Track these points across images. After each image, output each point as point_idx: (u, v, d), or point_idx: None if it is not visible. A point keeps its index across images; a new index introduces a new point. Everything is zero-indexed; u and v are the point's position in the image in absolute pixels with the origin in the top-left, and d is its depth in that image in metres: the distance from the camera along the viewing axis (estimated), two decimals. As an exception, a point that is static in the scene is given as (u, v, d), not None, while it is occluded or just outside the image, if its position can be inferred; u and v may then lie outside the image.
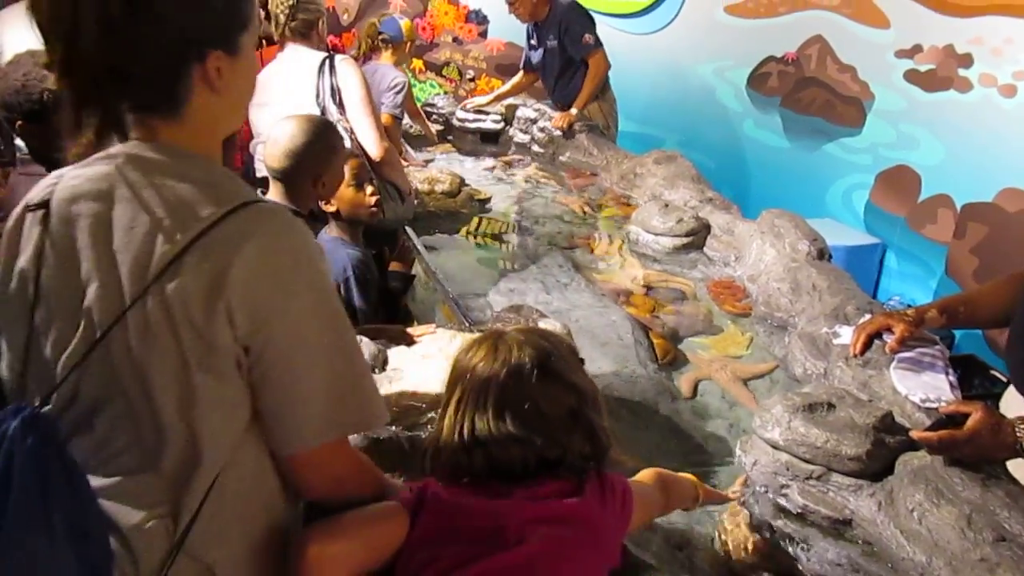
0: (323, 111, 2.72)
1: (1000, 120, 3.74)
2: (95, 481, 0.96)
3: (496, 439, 1.13)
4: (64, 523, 0.88)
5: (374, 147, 2.77)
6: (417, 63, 6.63)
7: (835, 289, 2.29)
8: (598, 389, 1.24)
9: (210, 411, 0.97)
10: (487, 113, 4.80)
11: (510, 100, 4.85)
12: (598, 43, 4.41)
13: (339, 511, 1.09)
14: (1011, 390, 1.69)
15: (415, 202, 3.21)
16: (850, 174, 4.55)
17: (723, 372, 2.17)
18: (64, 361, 0.97)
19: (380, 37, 4.05)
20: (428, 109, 5.05)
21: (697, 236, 3.01)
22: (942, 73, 3.98)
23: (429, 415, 1.65)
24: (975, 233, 3.86)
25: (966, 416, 1.46)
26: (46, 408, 0.97)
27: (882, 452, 1.56)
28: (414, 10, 7.09)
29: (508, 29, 6.09)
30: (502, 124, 4.77)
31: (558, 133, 4.40)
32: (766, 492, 1.62)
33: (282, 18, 2.87)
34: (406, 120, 4.24)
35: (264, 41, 3.26)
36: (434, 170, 3.81)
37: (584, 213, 3.54)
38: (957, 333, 3.72)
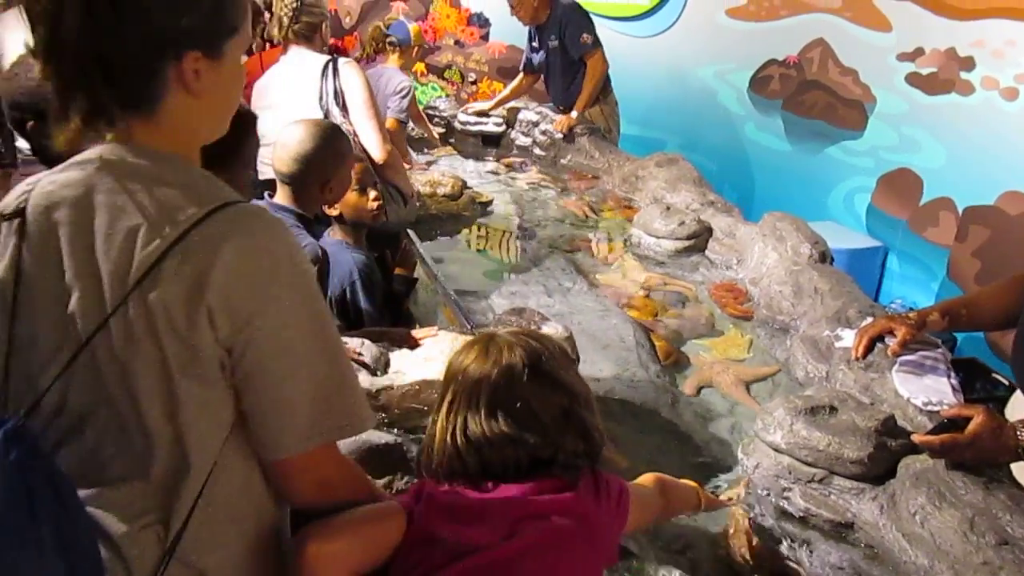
0: (326, 114, 2.73)
1: (1002, 123, 3.74)
2: (86, 490, 0.95)
3: (489, 439, 1.13)
4: (52, 536, 0.87)
5: (377, 150, 2.77)
6: (419, 66, 6.64)
7: (837, 292, 2.29)
8: (590, 389, 1.25)
9: (196, 416, 0.96)
10: (489, 116, 4.81)
11: (512, 103, 4.85)
12: (596, 43, 4.42)
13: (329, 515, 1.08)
14: (1017, 394, 1.68)
15: (417, 205, 3.22)
16: (852, 177, 4.55)
17: (725, 375, 2.17)
18: (49, 371, 0.96)
19: (388, 40, 4.07)
20: (430, 112, 5.06)
21: (699, 239, 3.01)
22: (944, 76, 3.98)
23: (431, 418, 1.66)
24: (977, 236, 3.86)
25: (968, 420, 1.46)
26: (31, 419, 0.95)
27: (884, 455, 1.56)
28: (416, 13, 7.10)
29: (510, 32, 6.10)
30: (504, 127, 4.77)
31: (560, 136, 4.41)
32: (768, 495, 1.62)
33: (286, 20, 2.87)
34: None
35: (267, 44, 3.26)
36: (436, 173, 3.81)
37: (586, 216, 3.54)
38: (959, 336, 3.72)
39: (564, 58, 4.49)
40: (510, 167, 4.36)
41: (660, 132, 5.56)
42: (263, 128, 2.83)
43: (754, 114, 5.11)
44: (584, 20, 4.45)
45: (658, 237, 3.03)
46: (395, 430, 1.66)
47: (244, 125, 1.61)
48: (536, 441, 1.14)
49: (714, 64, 5.33)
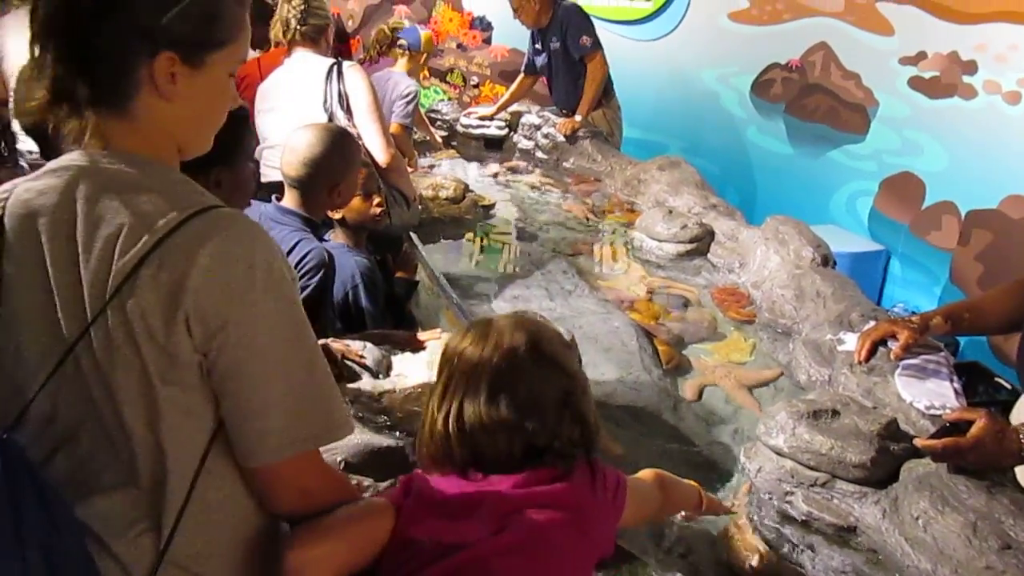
0: (331, 117, 2.73)
1: (1004, 127, 3.73)
2: (81, 499, 0.95)
3: (485, 426, 1.12)
4: (38, 549, 0.86)
5: (382, 153, 2.78)
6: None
7: (839, 296, 2.28)
8: (586, 376, 1.24)
9: (177, 423, 0.95)
10: (491, 119, 4.81)
11: (514, 107, 4.86)
12: (596, 45, 4.42)
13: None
14: (1022, 398, 1.68)
15: (419, 208, 3.22)
16: (854, 181, 4.54)
17: (727, 378, 2.17)
18: (35, 381, 0.96)
19: (398, 43, 4.09)
20: (432, 115, 5.07)
21: (701, 242, 3.01)
22: (946, 80, 3.98)
23: (426, 402, 1.64)
24: (979, 240, 3.85)
25: (970, 423, 1.46)
26: (20, 429, 0.95)
27: (887, 459, 1.56)
28: (419, 16, 7.12)
29: (512, 35, 6.11)
30: (506, 130, 4.78)
31: (562, 139, 4.41)
32: (771, 499, 1.61)
33: (293, 22, 2.87)
34: (408, 125, 4.25)
35: (274, 45, 3.26)
36: (438, 176, 3.82)
37: (588, 219, 3.54)
38: (962, 340, 3.71)
39: (566, 60, 4.50)
40: (512, 170, 4.36)
41: (662, 135, 5.56)
42: (267, 130, 2.86)
43: (756, 118, 5.10)
44: (584, 22, 4.46)
45: (660, 240, 3.03)
46: (397, 433, 1.66)
47: (239, 121, 1.60)
48: (534, 427, 1.13)
49: (716, 68, 5.33)
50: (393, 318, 2.38)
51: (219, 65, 1.02)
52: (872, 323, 2.01)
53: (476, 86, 6.80)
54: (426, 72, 6.84)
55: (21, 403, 0.97)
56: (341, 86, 2.78)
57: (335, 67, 2.81)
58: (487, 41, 7.05)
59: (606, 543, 1.19)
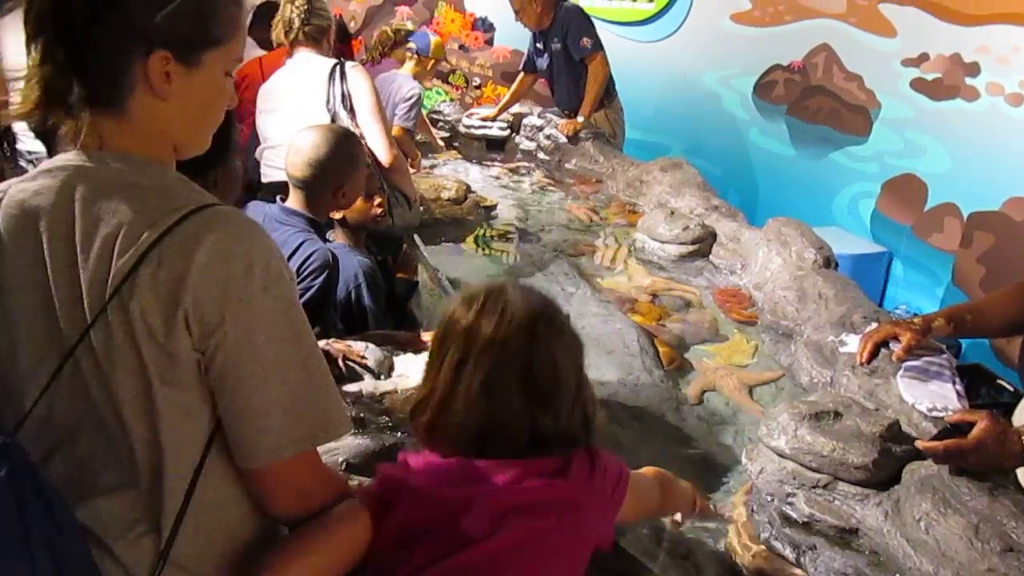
0: (333, 117, 2.74)
1: (1007, 129, 3.73)
2: (81, 501, 0.95)
3: (499, 406, 1.07)
4: (44, 549, 0.86)
5: (385, 154, 2.78)
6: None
7: (841, 297, 2.28)
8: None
9: (176, 424, 0.95)
10: (493, 120, 4.82)
11: (516, 108, 4.86)
12: (596, 46, 4.43)
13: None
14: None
15: (421, 209, 3.23)
16: (856, 182, 4.54)
17: (729, 380, 2.17)
18: (33, 383, 0.96)
19: (407, 46, 4.12)
20: (434, 116, 5.08)
21: (703, 244, 3.01)
22: (949, 82, 3.97)
23: (426, 375, 1.61)
24: (982, 242, 3.85)
25: (972, 425, 1.45)
26: (19, 431, 0.94)
27: (889, 461, 1.55)
28: (421, 17, 7.13)
29: (514, 36, 6.11)
30: (508, 131, 4.78)
31: (564, 140, 4.41)
32: (772, 500, 1.61)
33: (297, 22, 2.88)
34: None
35: (276, 46, 3.27)
36: (440, 177, 3.82)
37: (590, 220, 3.54)
38: (964, 342, 3.71)
39: (568, 61, 4.51)
40: (514, 171, 4.36)
41: (664, 137, 5.56)
42: (269, 130, 2.87)
43: (758, 119, 5.11)
44: (585, 23, 4.47)
45: (662, 242, 3.03)
46: (399, 433, 1.66)
47: (227, 118, 1.61)
48: (546, 409, 1.08)
49: (718, 69, 5.33)
50: (394, 318, 2.38)
51: (215, 64, 1.01)
52: (874, 325, 2.01)
53: (478, 87, 6.81)
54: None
55: (17, 404, 0.96)
56: (344, 87, 2.79)
57: (338, 67, 2.81)
58: (489, 42, 7.06)
59: (603, 535, 1.15)
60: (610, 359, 2.22)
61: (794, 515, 1.57)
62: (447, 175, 3.97)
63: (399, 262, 2.68)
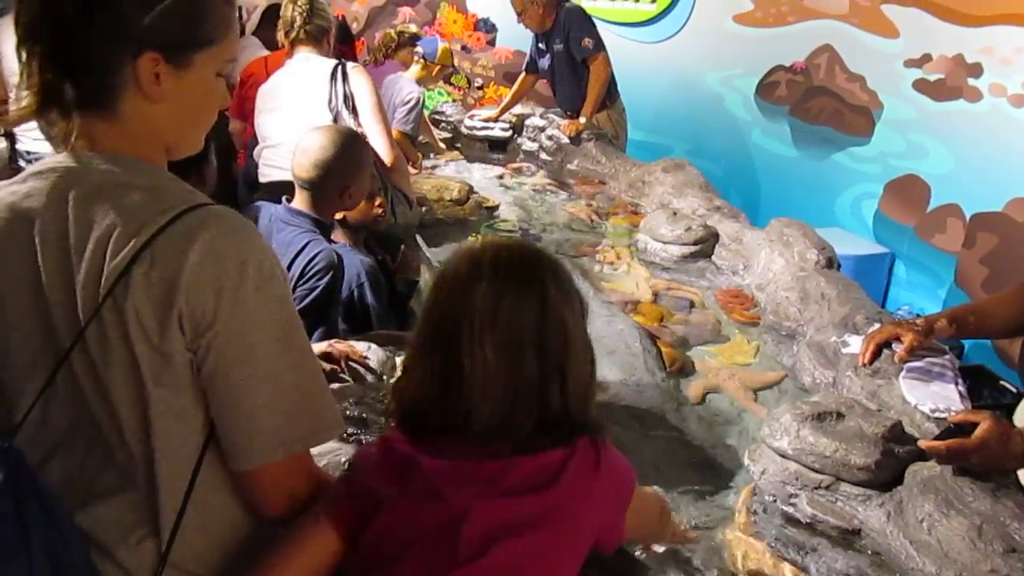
0: (336, 117, 2.75)
1: (1010, 130, 3.73)
2: (80, 505, 0.95)
3: (519, 379, 0.98)
4: (44, 553, 0.86)
5: (386, 153, 2.79)
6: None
7: (844, 298, 2.28)
8: None
9: (170, 425, 0.95)
10: (495, 121, 4.82)
11: (518, 108, 4.87)
12: (598, 47, 4.43)
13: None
14: (1024, 401, 1.68)
15: (423, 209, 3.24)
16: (859, 183, 4.54)
17: (731, 381, 2.16)
18: (27, 387, 0.95)
19: (414, 49, 4.14)
20: (436, 117, 5.08)
21: (705, 244, 3.01)
22: (951, 83, 3.97)
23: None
24: (984, 243, 3.84)
25: (975, 426, 1.46)
26: (16, 435, 0.94)
27: (891, 462, 1.55)
28: (423, 18, 7.13)
29: (516, 37, 6.12)
30: (510, 132, 4.79)
31: (566, 141, 4.42)
32: (775, 501, 1.61)
33: (299, 20, 2.90)
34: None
35: (280, 47, 3.28)
36: (443, 178, 3.82)
37: (592, 221, 3.54)
38: (966, 343, 3.70)
39: (569, 62, 4.52)
40: (516, 172, 4.37)
41: (666, 138, 5.57)
42: (268, 129, 2.87)
43: (761, 120, 5.11)
44: (586, 24, 4.47)
45: (664, 242, 3.03)
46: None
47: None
48: (559, 382, 1.00)
49: (721, 70, 5.33)
50: (396, 318, 2.39)
51: (206, 65, 1.01)
52: (876, 326, 2.01)
53: (480, 88, 6.81)
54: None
55: (12, 408, 0.96)
56: (346, 87, 2.80)
57: (339, 68, 2.82)
58: (491, 43, 7.07)
59: (605, 535, 1.06)
60: (612, 360, 2.22)
61: (797, 516, 1.58)
62: (449, 176, 3.97)
63: (399, 262, 2.69)
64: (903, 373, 1.80)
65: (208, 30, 0.99)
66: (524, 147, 4.72)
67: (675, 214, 3.13)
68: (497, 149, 4.81)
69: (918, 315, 2.66)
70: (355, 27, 7.19)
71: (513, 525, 0.97)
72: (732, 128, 5.28)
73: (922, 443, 1.53)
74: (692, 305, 2.67)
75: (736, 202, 3.46)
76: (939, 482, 1.47)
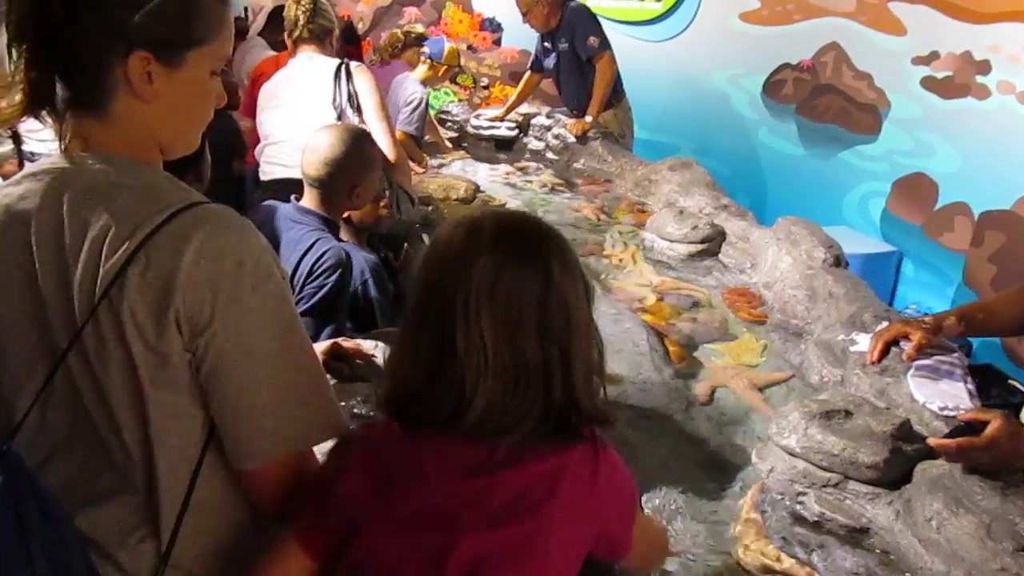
0: (340, 115, 2.76)
1: (1018, 127, 3.71)
2: (79, 507, 0.94)
3: (521, 363, 0.90)
4: (45, 557, 0.85)
5: (389, 150, 2.80)
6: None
7: (852, 296, 2.27)
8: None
9: (168, 426, 0.94)
10: (501, 120, 4.83)
11: (525, 107, 4.87)
12: (603, 45, 4.42)
13: None
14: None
15: (428, 208, 3.25)
16: (866, 182, 4.53)
17: (739, 379, 2.16)
18: (25, 389, 0.95)
19: (420, 50, 4.15)
20: (443, 117, 5.09)
21: (712, 243, 3.00)
22: (959, 80, 3.96)
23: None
24: (993, 241, 3.83)
25: (984, 424, 1.45)
26: (14, 438, 0.93)
27: (900, 460, 1.55)
28: (429, 18, 7.14)
29: (522, 37, 6.11)
30: (516, 131, 4.79)
31: (572, 140, 4.41)
32: (782, 499, 1.61)
33: (302, 19, 2.92)
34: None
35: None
36: (449, 177, 3.83)
37: (598, 220, 3.53)
38: (974, 341, 3.69)
39: (575, 61, 4.51)
40: (523, 171, 4.37)
41: (673, 137, 5.56)
42: (272, 127, 2.88)
43: (767, 118, 5.10)
44: (591, 22, 4.47)
45: (671, 241, 3.02)
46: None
47: None
48: (562, 369, 0.92)
49: (727, 68, 5.32)
50: (401, 316, 2.39)
51: (199, 64, 0.99)
52: (885, 324, 2.00)
53: (486, 87, 6.82)
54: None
55: (10, 412, 0.95)
56: (350, 86, 2.82)
57: (343, 67, 2.84)
58: (497, 43, 7.07)
59: (606, 542, 0.99)
60: (619, 358, 2.22)
61: (804, 514, 1.57)
62: (456, 175, 3.97)
63: (402, 260, 2.69)
64: (911, 371, 1.80)
65: (201, 29, 0.98)
66: (530, 146, 4.72)
67: (682, 212, 3.13)
68: (503, 148, 4.81)
69: (925, 314, 2.65)
70: (360, 27, 7.20)
71: (499, 555, 0.90)
72: (739, 127, 5.27)
73: (931, 441, 1.53)
74: (699, 304, 2.67)
75: (743, 201, 3.45)
76: (948, 480, 1.46)
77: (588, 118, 4.39)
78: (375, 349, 1.84)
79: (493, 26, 7.15)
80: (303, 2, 2.93)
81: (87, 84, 0.95)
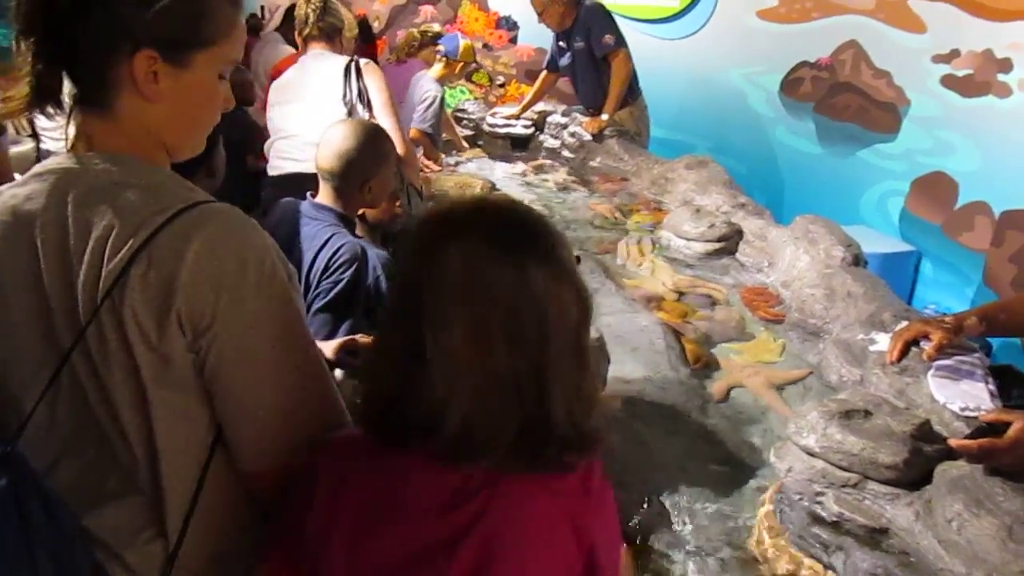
0: (350, 111, 2.78)
1: (1040, 126, 3.67)
2: (89, 508, 0.94)
3: (489, 371, 0.80)
4: (49, 560, 0.85)
5: (400, 146, 2.82)
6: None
7: (871, 296, 2.26)
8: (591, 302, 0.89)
9: (173, 427, 0.93)
10: (517, 118, 4.83)
11: (540, 106, 4.87)
12: (619, 43, 4.41)
13: None
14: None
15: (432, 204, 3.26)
16: (885, 181, 4.49)
17: (756, 378, 2.15)
18: (32, 390, 0.94)
19: (436, 48, 4.16)
20: (459, 115, 5.10)
21: (729, 241, 2.99)
22: (980, 78, 3.91)
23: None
24: (1014, 241, 3.79)
25: (1006, 425, 1.43)
26: (20, 440, 0.92)
27: (920, 461, 1.53)
28: (445, 16, 7.15)
29: (538, 35, 6.10)
30: (532, 129, 4.79)
31: (588, 138, 4.41)
32: (801, 499, 1.60)
33: (312, 18, 2.97)
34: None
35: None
36: (465, 175, 3.83)
37: (615, 218, 3.53)
38: (994, 343, 3.65)
39: (591, 59, 4.50)
40: (539, 169, 4.36)
41: (689, 135, 5.53)
42: (282, 122, 2.90)
43: (785, 117, 5.06)
44: (606, 20, 4.46)
45: (688, 239, 3.01)
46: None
47: None
48: (535, 385, 0.81)
49: (744, 66, 5.29)
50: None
51: (206, 65, 0.98)
52: (904, 323, 1.98)
53: (502, 86, 6.82)
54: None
55: (18, 412, 0.95)
56: (360, 83, 2.84)
57: (352, 64, 2.86)
58: (513, 41, 7.07)
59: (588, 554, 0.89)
60: (636, 356, 2.21)
61: (823, 514, 1.56)
62: (472, 173, 3.98)
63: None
64: (931, 371, 1.78)
65: (210, 30, 0.97)
66: (546, 144, 4.72)
67: (698, 211, 3.11)
68: (519, 146, 4.81)
69: (944, 314, 2.63)
70: (376, 26, 7.21)
71: None
72: (756, 125, 5.24)
73: (952, 442, 1.51)
74: (716, 302, 2.66)
75: (760, 200, 3.43)
76: (969, 481, 1.45)
77: (604, 116, 4.38)
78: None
79: (509, 24, 7.15)
80: (313, 1, 2.97)
81: (93, 81, 0.95)
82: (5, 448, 0.86)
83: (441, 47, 4.24)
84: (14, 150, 2.95)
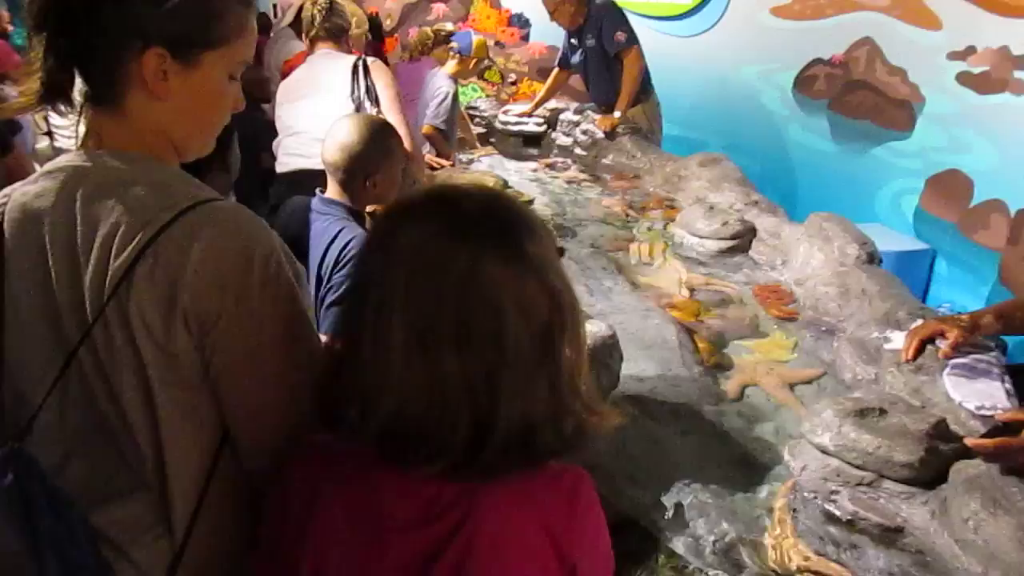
0: (358, 107, 2.81)
1: (1057, 123, 3.64)
2: (97, 506, 0.94)
3: (437, 373, 0.75)
4: (55, 556, 0.85)
5: (407, 142, 2.83)
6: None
7: (885, 294, 2.24)
8: (575, 297, 0.82)
9: (178, 425, 0.93)
10: (529, 116, 4.82)
11: (553, 103, 4.86)
12: (631, 40, 4.40)
13: None
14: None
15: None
16: (899, 178, 4.46)
17: (769, 376, 2.14)
18: (41, 388, 0.94)
19: (449, 46, 4.17)
20: (471, 112, 5.10)
21: (742, 239, 2.98)
22: (996, 75, 3.88)
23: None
24: (1030, 239, 3.76)
25: (1023, 424, 1.43)
26: (28, 438, 0.93)
27: (935, 460, 1.53)
28: (457, 14, 7.15)
29: (550, 32, 6.10)
30: (544, 127, 4.79)
31: (601, 135, 4.40)
32: (815, 498, 1.59)
33: (318, 17, 3.01)
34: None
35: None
36: (478, 173, 3.83)
37: (627, 216, 3.52)
38: (1009, 341, 3.62)
39: (603, 57, 4.49)
40: (551, 167, 4.36)
41: (702, 133, 5.51)
42: (290, 119, 2.92)
43: (799, 114, 5.04)
44: (618, 18, 4.44)
45: (701, 237, 3.00)
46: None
47: None
48: (488, 390, 0.75)
49: (757, 64, 5.27)
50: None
51: (215, 65, 0.98)
52: (919, 322, 1.97)
53: (514, 83, 6.81)
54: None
55: (28, 410, 0.95)
56: (368, 80, 2.87)
57: (360, 62, 2.90)
58: (525, 38, 7.07)
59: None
60: (649, 354, 2.21)
61: (837, 513, 1.55)
62: (484, 171, 3.98)
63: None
64: (947, 370, 1.77)
65: (221, 30, 0.97)
66: (558, 142, 4.72)
67: (711, 208, 3.10)
68: (531, 144, 4.81)
69: (960, 313, 2.61)
70: (388, 24, 7.22)
71: None
72: (769, 123, 5.22)
73: (968, 441, 1.50)
74: (729, 300, 2.65)
75: (774, 197, 3.41)
76: (985, 480, 1.44)
77: (616, 114, 4.37)
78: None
79: (521, 22, 7.15)
80: (319, 2, 3.01)
81: (103, 78, 0.95)
82: (12, 446, 0.86)
83: (454, 44, 4.24)
84: (39, 146, 2.99)
